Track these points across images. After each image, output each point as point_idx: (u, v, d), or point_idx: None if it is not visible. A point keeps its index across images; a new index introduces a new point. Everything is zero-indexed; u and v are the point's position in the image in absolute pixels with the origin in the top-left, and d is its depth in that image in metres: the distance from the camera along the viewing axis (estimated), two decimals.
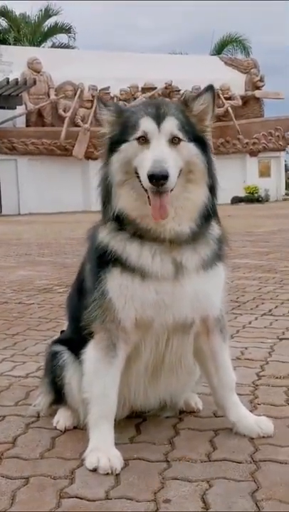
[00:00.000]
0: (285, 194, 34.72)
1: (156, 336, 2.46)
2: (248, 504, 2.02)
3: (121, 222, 2.38)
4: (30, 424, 2.79)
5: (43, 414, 2.85)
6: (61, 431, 2.68)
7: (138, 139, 2.31)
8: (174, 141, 2.31)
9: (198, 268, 2.40)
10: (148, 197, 2.28)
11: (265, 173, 33.01)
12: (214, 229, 2.48)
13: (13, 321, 5.12)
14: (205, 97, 2.42)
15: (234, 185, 29.04)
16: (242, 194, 30.63)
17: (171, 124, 2.31)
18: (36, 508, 2.05)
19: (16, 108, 27.62)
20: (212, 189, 2.41)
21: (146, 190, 2.28)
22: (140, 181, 2.30)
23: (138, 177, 2.32)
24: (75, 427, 2.71)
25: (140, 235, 2.36)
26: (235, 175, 30.02)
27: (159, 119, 2.31)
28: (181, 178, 2.32)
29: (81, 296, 2.60)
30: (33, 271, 8.34)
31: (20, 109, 27.94)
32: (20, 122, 28.87)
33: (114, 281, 2.38)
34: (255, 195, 31.08)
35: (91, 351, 2.47)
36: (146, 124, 2.31)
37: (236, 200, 29.80)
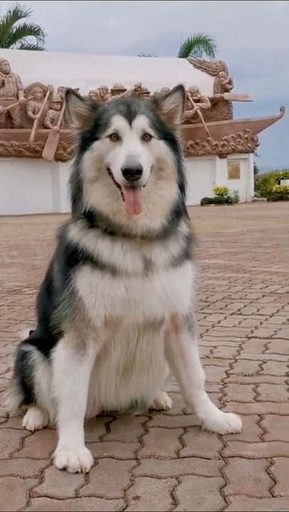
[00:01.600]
0: (254, 195, 35.01)
1: (127, 334, 2.47)
2: (217, 499, 2.05)
3: (92, 220, 2.39)
4: (0, 425, 2.77)
5: (12, 415, 2.84)
6: (31, 431, 2.68)
7: (110, 136, 2.33)
8: (145, 137, 2.33)
9: (167, 265, 2.42)
10: (121, 193, 2.29)
11: (234, 174, 33.30)
12: (183, 227, 2.51)
13: None
14: (175, 96, 2.47)
15: (204, 187, 29.21)
16: (211, 195, 30.82)
17: (142, 122, 2.33)
18: (5, 507, 2.04)
19: None
20: (181, 187, 2.44)
21: (118, 187, 2.30)
22: (112, 178, 2.32)
23: (110, 174, 2.33)
24: (44, 427, 2.70)
25: (112, 231, 2.37)
26: (204, 176, 30.19)
27: (130, 116, 2.33)
28: (152, 175, 2.34)
29: (50, 296, 2.60)
30: (3, 273, 8.28)
31: None
32: None
33: (84, 279, 2.38)
34: (225, 196, 31.30)
35: (61, 350, 2.46)
36: (118, 122, 2.33)
37: (206, 202, 29.99)
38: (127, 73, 29.51)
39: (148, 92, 30.16)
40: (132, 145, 2.28)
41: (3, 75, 28.38)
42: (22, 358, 2.74)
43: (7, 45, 36.43)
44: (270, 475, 2.20)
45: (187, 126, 31.17)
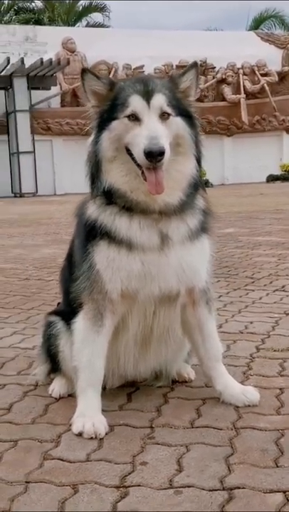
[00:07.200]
0: None
1: (143, 307, 2.53)
2: (220, 467, 2.10)
3: (110, 197, 2.45)
4: (28, 392, 2.90)
5: (41, 383, 2.96)
6: (56, 398, 2.79)
7: (128, 116, 2.37)
8: (163, 116, 2.37)
9: (184, 238, 2.47)
10: (142, 172, 2.34)
11: None
12: (200, 200, 2.55)
13: (31, 296, 5.26)
14: (190, 73, 2.50)
15: (270, 163, 28.72)
16: (278, 172, 30.24)
17: (160, 101, 2.37)
18: (19, 468, 2.16)
19: (50, 89, 27.73)
20: (198, 161, 2.48)
21: (138, 166, 2.35)
22: (132, 157, 2.37)
23: (128, 153, 2.38)
24: (70, 395, 2.80)
25: (129, 207, 2.43)
26: (271, 153, 29.64)
27: (148, 96, 2.36)
28: (170, 152, 2.37)
29: (72, 270, 2.69)
30: (58, 249, 8.45)
31: (54, 90, 28.03)
32: (55, 103, 28.95)
33: (102, 254, 2.46)
34: None
35: (80, 321, 2.55)
36: (136, 102, 2.36)
37: (271, 179, 29.41)
38: (192, 48, 29.08)
39: (214, 67, 29.86)
40: (152, 126, 2.32)
41: (69, 54, 28.58)
42: (48, 327, 2.85)
43: (73, 24, 36.63)
44: (278, 446, 2.23)
45: (253, 102, 30.68)
